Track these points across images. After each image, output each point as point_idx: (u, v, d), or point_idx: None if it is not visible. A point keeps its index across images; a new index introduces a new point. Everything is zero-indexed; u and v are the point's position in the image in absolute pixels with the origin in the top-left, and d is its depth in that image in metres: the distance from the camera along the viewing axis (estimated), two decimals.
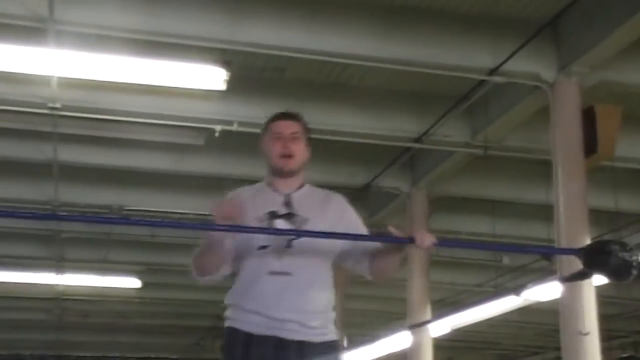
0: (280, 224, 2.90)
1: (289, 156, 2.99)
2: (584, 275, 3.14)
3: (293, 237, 2.86)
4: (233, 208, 2.71)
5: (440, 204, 8.96)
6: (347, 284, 10.70)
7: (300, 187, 3.06)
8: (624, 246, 2.69)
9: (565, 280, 5.68)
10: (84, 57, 6.03)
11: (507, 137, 7.46)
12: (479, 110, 7.16)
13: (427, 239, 2.76)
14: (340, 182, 8.83)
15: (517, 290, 8.48)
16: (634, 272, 2.67)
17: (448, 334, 10.22)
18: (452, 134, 7.47)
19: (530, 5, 6.04)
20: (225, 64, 6.22)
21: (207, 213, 9.53)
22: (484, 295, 10.88)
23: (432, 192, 8.64)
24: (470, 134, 7.50)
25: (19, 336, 17.43)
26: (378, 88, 7.26)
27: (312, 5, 5.91)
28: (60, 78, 6.21)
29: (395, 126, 7.53)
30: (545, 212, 7.05)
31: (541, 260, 10.29)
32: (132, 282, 12.95)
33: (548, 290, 7.73)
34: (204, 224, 3.06)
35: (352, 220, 3.06)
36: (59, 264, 11.56)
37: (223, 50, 6.09)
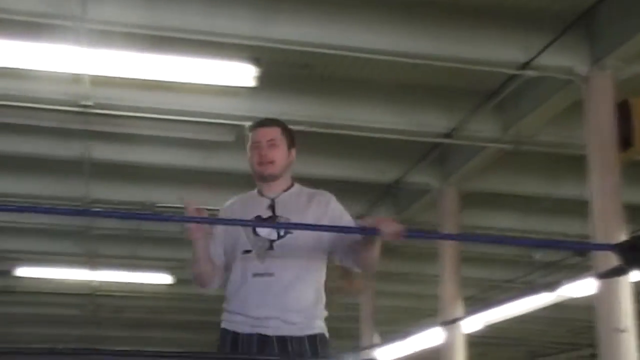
0: (264, 229, 3.06)
1: (268, 162, 3.12)
2: (620, 271, 3.11)
3: (274, 239, 3.04)
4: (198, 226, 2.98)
5: (471, 200, 8.88)
6: (377, 281, 10.70)
7: (287, 189, 3.18)
8: None
9: (601, 276, 5.59)
10: (115, 55, 6.09)
11: (539, 132, 7.37)
12: (510, 104, 7.08)
13: (390, 229, 2.82)
14: (369, 179, 8.83)
15: (551, 286, 8.39)
16: None
17: (480, 330, 10.16)
18: (482, 129, 7.40)
19: None
20: (255, 60, 6.24)
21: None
22: (515, 292, 10.79)
23: (463, 188, 8.57)
24: (501, 129, 7.42)
25: (54, 331, 17.68)
26: (408, 84, 7.21)
27: (341, 1, 5.89)
28: (91, 76, 6.26)
29: (425, 122, 7.48)
30: (578, 208, 6.96)
31: (574, 256, 10.17)
32: (164, 278, 13.06)
33: (582, 287, 7.63)
34: (234, 219, 3.15)
35: (335, 217, 3.13)
36: (93, 261, 11.70)
37: (252, 47, 6.09)
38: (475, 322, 9.49)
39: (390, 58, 6.24)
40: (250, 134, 3.18)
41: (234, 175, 8.76)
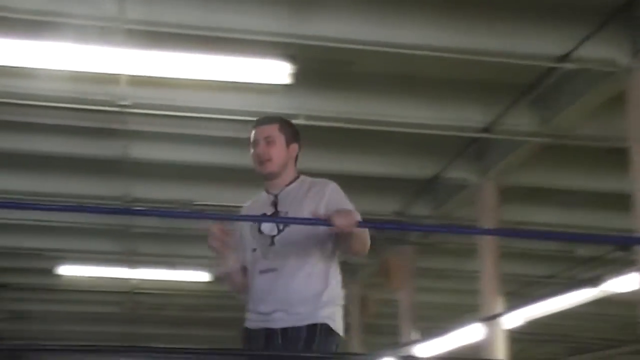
0: (267, 225, 3.18)
1: (266, 160, 3.18)
2: None
3: (274, 235, 3.14)
4: (220, 235, 3.13)
5: (510, 195, 8.77)
6: (416, 277, 10.64)
7: (290, 183, 3.24)
8: None
9: None
10: (151, 54, 6.13)
11: (579, 125, 7.25)
12: (549, 98, 6.98)
13: (339, 221, 2.89)
14: (408, 174, 8.78)
15: (593, 281, 8.26)
16: None
17: (521, 326, 10.05)
18: (521, 123, 7.30)
19: None
20: (291, 57, 6.23)
21: None
22: (556, 287, 10.64)
23: (502, 183, 8.47)
24: (540, 122, 7.31)
25: (94, 328, 17.92)
26: (445, 78, 7.13)
27: None
28: (129, 76, 6.32)
29: (463, 116, 7.41)
30: (620, 201, 6.83)
31: (617, 250, 10.00)
32: (202, 276, 13.14)
33: (626, 282, 7.50)
34: (275, 218, 3.20)
35: (331, 204, 3.14)
36: (132, 259, 11.82)
37: (288, 44, 6.09)
38: (515, 318, 9.39)
39: (428, 53, 6.18)
40: (250, 134, 3.26)
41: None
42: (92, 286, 13.87)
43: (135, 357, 3.17)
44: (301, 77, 6.45)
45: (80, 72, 6.37)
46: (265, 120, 3.30)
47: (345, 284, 11.46)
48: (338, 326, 3.14)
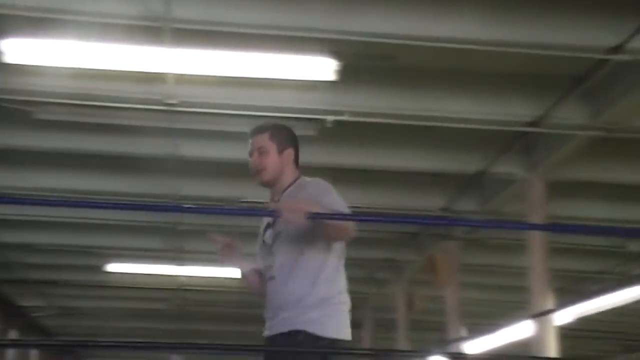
0: (268, 234, 3.26)
1: (261, 170, 3.26)
2: None
3: (271, 243, 3.22)
4: (226, 246, 3.28)
5: (560, 189, 8.63)
6: (462, 273, 10.55)
7: (287, 188, 3.29)
8: None
9: None
10: (198, 53, 6.18)
11: (631, 118, 7.09)
12: (600, 90, 6.83)
13: (287, 212, 2.91)
14: (453, 169, 8.70)
15: None
16: None
17: (571, 323, 9.89)
18: (571, 116, 7.16)
19: None
20: (335, 54, 6.22)
21: None
22: (607, 284, 10.46)
23: (551, 177, 8.33)
24: (590, 115, 7.15)
25: (142, 324, 18.17)
26: (492, 72, 7.04)
27: None
28: (176, 74, 6.37)
29: (510, 111, 7.30)
30: None
31: None
32: None
33: None
34: (315, 214, 3.19)
35: (307, 197, 3.15)
36: (179, 256, 11.95)
37: (332, 41, 6.07)
38: (565, 315, 9.25)
39: (473, 47, 6.10)
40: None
41: (315, 169, 8.78)
42: (140, 283, 14.06)
43: (182, 353, 3.24)
44: (346, 73, 6.43)
45: (129, 71, 6.46)
46: (257, 130, 3.35)
47: (391, 281, 11.53)
48: (328, 329, 3.09)
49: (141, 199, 9.18)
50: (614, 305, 9.65)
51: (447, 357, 8.96)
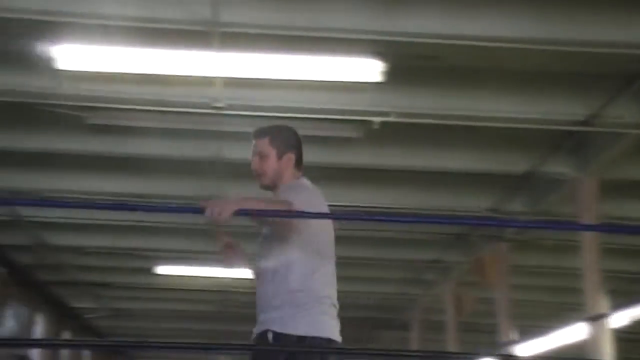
0: (263, 234, 3.35)
1: (260, 175, 3.33)
2: None
3: (259, 246, 3.32)
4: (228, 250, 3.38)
5: (611, 189, 8.46)
6: (512, 274, 10.41)
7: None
8: None
9: None
10: (245, 56, 6.22)
11: None
12: None
13: (210, 210, 2.90)
14: (501, 170, 8.59)
15: None
16: None
17: (626, 325, 9.68)
18: (624, 114, 7.01)
19: None
20: (381, 55, 6.20)
21: (368, 205, 9.58)
22: None
23: (602, 177, 8.17)
24: None
25: (190, 326, 18.36)
26: (539, 71, 6.94)
27: None
28: (223, 78, 6.42)
29: (559, 110, 7.19)
30: None
31: None
32: None
33: None
34: (364, 215, 3.21)
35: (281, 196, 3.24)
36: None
37: (378, 42, 6.06)
38: (620, 317, 9.05)
39: (521, 45, 6.02)
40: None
41: (362, 170, 8.79)
42: (188, 285, 14.20)
43: (229, 354, 3.31)
44: (392, 74, 6.40)
45: (178, 75, 6.53)
46: (258, 133, 3.38)
47: (439, 282, 11.43)
48: (296, 327, 3.09)
49: (188, 201, 9.26)
50: None
51: (498, 359, 8.85)
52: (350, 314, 16.84)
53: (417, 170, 8.57)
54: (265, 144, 3.33)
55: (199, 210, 2.98)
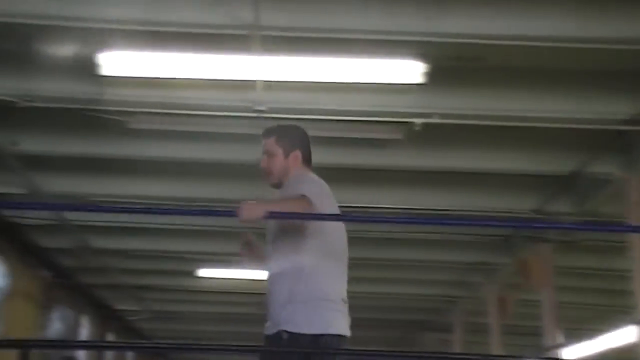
0: (271, 233, 3.39)
1: (268, 174, 3.41)
2: None
3: (268, 246, 3.35)
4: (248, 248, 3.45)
5: None
6: (558, 276, 10.26)
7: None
8: None
9: None
10: (285, 59, 6.22)
11: None
12: None
13: (242, 212, 2.98)
14: (546, 170, 8.47)
15: None
16: None
17: None
18: None
19: None
20: (423, 56, 6.16)
21: (409, 207, 9.50)
22: None
23: None
24: None
25: (231, 328, 18.45)
26: (584, 69, 6.82)
27: None
28: (264, 81, 6.43)
29: (605, 109, 7.04)
30: None
31: None
32: None
33: None
34: (406, 217, 3.20)
35: (286, 190, 3.31)
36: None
37: (420, 43, 6.01)
38: None
39: (566, 44, 5.92)
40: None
41: (404, 172, 8.74)
42: (229, 287, 14.26)
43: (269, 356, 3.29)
44: (434, 76, 6.36)
45: (219, 80, 6.56)
46: (265, 133, 3.48)
47: (482, 284, 11.28)
48: (303, 325, 3.10)
49: (230, 204, 9.29)
50: None
51: None
52: (393, 316, 16.87)
53: (459, 171, 8.50)
54: (272, 143, 3.41)
55: (233, 214, 3.01)
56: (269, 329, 3.18)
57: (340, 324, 3.18)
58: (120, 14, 5.68)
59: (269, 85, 6.53)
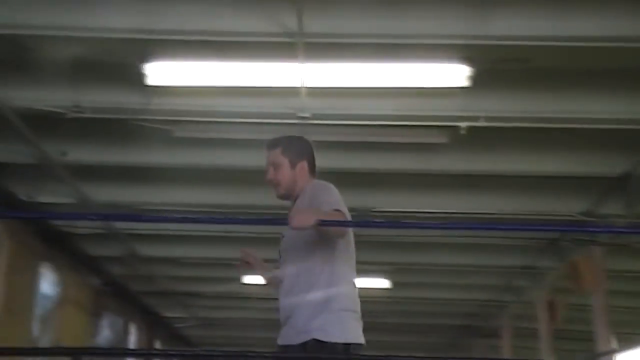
0: (282, 242, 3.38)
1: (276, 185, 3.40)
2: None
3: (283, 251, 3.33)
4: (248, 259, 3.45)
5: None
6: (610, 279, 10.06)
7: (299, 196, 3.38)
8: None
9: None
10: (330, 66, 6.22)
11: None
12: None
13: (295, 220, 2.91)
14: (596, 172, 8.31)
15: None
16: None
17: None
18: None
19: None
20: (467, 59, 6.10)
21: (456, 211, 9.42)
22: None
23: None
24: None
25: (276, 335, 18.45)
26: (633, 69, 6.67)
27: None
28: (308, 88, 6.43)
29: None
30: None
31: None
32: (381, 283, 13.17)
33: None
34: (452, 223, 3.16)
35: (312, 200, 3.23)
36: None
37: (465, 46, 5.96)
38: None
39: (613, 44, 5.81)
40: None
41: (449, 176, 8.67)
42: (276, 294, 14.27)
43: None
44: (479, 78, 6.30)
45: (261, 87, 6.59)
46: (270, 145, 3.45)
47: (531, 288, 11.09)
48: (335, 334, 3.07)
49: (276, 212, 9.33)
50: None
51: None
52: (440, 321, 16.72)
53: (506, 174, 8.40)
54: (278, 155, 3.41)
55: (285, 222, 3.01)
56: (291, 337, 3.16)
57: (360, 334, 3.23)
58: (166, 24, 5.75)
59: (313, 91, 6.53)
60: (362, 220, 8.74)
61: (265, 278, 3.53)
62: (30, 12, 5.72)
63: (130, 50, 6.29)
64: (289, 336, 3.18)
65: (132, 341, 16.43)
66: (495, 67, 6.52)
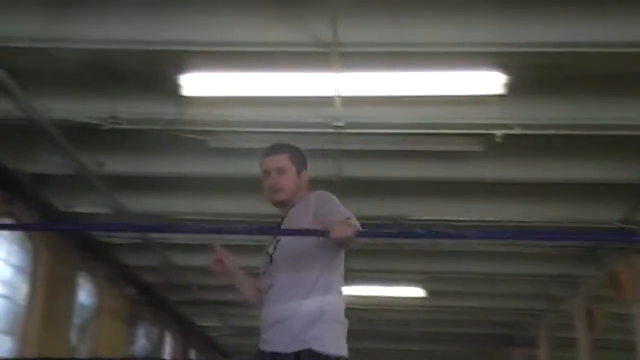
0: (271, 248, 3.26)
1: (278, 190, 3.28)
2: None
3: (272, 252, 3.22)
4: (219, 262, 3.39)
5: None
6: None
7: (295, 204, 3.29)
8: None
9: None
10: (363, 75, 6.23)
11: None
12: None
13: (337, 233, 2.85)
14: (632, 179, 8.20)
15: None
16: None
17: None
18: None
19: None
20: (503, 67, 6.07)
21: (491, 220, 9.31)
22: None
23: None
24: None
25: None
26: None
27: None
28: (342, 97, 6.44)
29: None
30: None
31: None
32: (416, 292, 13.11)
33: None
34: (492, 232, 3.11)
35: (318, 209, 3.13)
36: (346, 275, 12.03)
37: (500, 54, 5.93)
38: None
39: None
40: (260, 162, 3.34)
41: (483, 184, 8.61)
42: None
43: None
44: (514, 86, 6.26)
45: (296, 97, 6.62)
46: (276, 149, 3.36)
47: (568, 297, 10.92)
48: (330, 346, 3.00)
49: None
50: None
51: None
52: (476, 330, 16.58)
53: (542, 182, 8.32)
54: (285, 160, 3.33)
55: (322, 233, 2.96)
56: (282, 345, 3.04)
57: (346, 347, 3.16)
58: (201, 36, 5.80)
59: (347, 100, 6.54)
60: (401, 230, 8.73)
61: (237, 283, 3.44)
62: (66, 25, 5.81)
63: (165, 61, 6.36)
64: (278, 343, 3.06)
65: (168, 350, 16.53)
66: (530, 74, 6.47)
